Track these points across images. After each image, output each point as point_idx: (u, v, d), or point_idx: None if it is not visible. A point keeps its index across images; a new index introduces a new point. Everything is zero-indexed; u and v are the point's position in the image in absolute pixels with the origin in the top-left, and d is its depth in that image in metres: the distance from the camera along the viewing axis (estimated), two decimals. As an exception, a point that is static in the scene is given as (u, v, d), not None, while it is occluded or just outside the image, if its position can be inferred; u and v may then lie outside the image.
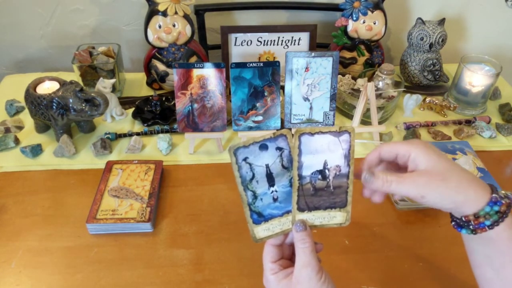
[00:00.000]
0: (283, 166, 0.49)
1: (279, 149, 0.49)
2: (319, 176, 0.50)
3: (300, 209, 0.51)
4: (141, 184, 0.81)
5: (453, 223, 0.50)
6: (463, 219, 0.47)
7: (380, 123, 0.99)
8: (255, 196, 0.50)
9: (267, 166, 0.49)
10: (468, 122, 1.02)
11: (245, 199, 0.50)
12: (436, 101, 1.05)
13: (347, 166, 0.50)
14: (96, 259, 0.71)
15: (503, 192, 0.48)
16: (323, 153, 0.49)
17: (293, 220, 0.51)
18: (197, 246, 0.73)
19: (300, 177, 0.50)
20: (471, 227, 0.47)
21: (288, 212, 0.51)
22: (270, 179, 0.50)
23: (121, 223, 0.74)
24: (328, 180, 0.50)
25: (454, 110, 1.05)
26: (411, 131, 0.97)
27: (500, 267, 0.47)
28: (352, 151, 0.50)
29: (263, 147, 0.48)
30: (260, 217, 0.51)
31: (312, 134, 0.48)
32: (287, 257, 0.53)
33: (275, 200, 0.51)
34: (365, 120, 0.97)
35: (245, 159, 0.48)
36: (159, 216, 0.78)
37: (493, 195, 0.47)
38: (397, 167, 0.53)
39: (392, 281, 0.69)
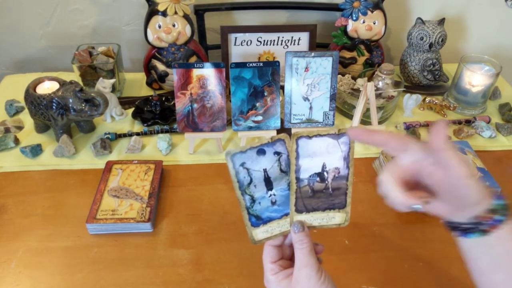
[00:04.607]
0: (281, 170, 0.49)
1: (277, 153, 0.48)
2: (318, 179, 0.50)
3: (298, 211, 0.51)
4: (141, 184, 0.81)
5: (455, 232, 0.47)
6: (474, 220, 0.45)
7: (380, 123, 0.99)
8: (253, 200, 0.49)
9: (265, 170, 0.48)
10: (468, 122, 1.02)
11: (243, 203, 0.49)
12: (436, 101, 1.05)
13: (347, 168, 0.50)
14: (96, 259, 0.71)
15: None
16: (321, 155, 0.49)
17: (291, 222, 0.51)
18: (197, 246, 0.74)
19: (298, 180, 0.49)
20: (482, 227, 0.44)
21: (287, 214, 0.51)
22: (268, 183, 0.49)
23: (121, 223, 0.74)
24: (326, 182, 0.50)
25: (454, 110, 1.05)
26: (411, 131, 0.97)
27: (511, 269, 0.45)
28: (351, 153, 0.49)
29: (261, 152, 0.47)
30: (259, 220, 0.50)
31: (309, 137, 0.48)
32: (287, 258, 0.53)
33: (273, 203, 0.50)
34: (365, 120, 0.97)
35: (242, 164, 0.47)
36: (159, 216, 0.78)
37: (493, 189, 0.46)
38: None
39: (392, 281, 0.69)
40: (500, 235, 0.45)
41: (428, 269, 0.71)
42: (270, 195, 0.50)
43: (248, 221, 0.50)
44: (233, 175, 0.47)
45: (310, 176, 0.49)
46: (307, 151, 0.48)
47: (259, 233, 0.51)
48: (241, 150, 0.47)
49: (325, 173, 0.50)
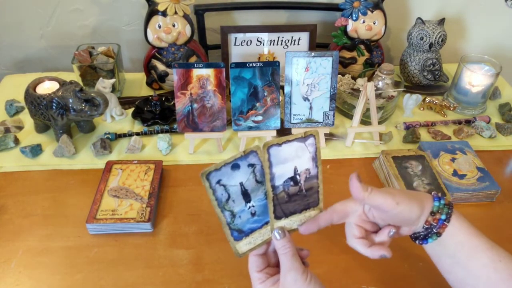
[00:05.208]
0: (257, 181, 0.50)
1: (251, 165, 0.49)
2: (291, 183, 0.51)
3: (277, 217, 0.51)
4: (141, 184, 0.81)
5: (418, 241, 0.53)
6: (425, 226, 0.51)
7: (380, 123, 0.99)
8: (233, 215, 0.50)
9: (241, 184, 0.49)
10: (468, 122, 1.02)
11: (223, 220, 0.50)
12: (436, 101, 1.05)
13: (316, 167, 0.52)
14: (96, 259, 0.71)
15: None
16: (292, 160, 0.50)
17: (272, 229, 0.52)
18: (197, 246, 0.74)
19: (274, 187, 0.50)
20: (434, 230, 0.50)
21: (267, 223, 0.52)
22: (246, 196, 0.50)
23: (121, 223, 0.74)
24: (300, 184, 0.51)
25: (454, 110, 1.05)
26: (410, 131, 0.97)
27: (467, 260, 0.50)
28: (318, 152, 0.51)
29: (235, 166, 0.48)
30: (241, 234, 0.51)
31: (279, 144, 0.49)
32: (274, 265, 0.53)
33: (253, 215, 0.51)
34: (365, 120, 0.97)
35: (218, 182, 0.47)
36: (159, 216, 0.78)
37: (432, 193, 0.52)
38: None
39: (392, 281, 0.69)
40: (450, 232, 0.51)
41: (428, 269, 0.71)
42: (249, 207, 0.50)
43: (231, 236, 0.51)
44: (210, 194, 0.48)
45: (284, 182, 0.50)
46: (279, 158, 0.49)
47: (243, 245, 0.51)
48: (216, 168, 0.47)
49: (297, 176, 0.51)
